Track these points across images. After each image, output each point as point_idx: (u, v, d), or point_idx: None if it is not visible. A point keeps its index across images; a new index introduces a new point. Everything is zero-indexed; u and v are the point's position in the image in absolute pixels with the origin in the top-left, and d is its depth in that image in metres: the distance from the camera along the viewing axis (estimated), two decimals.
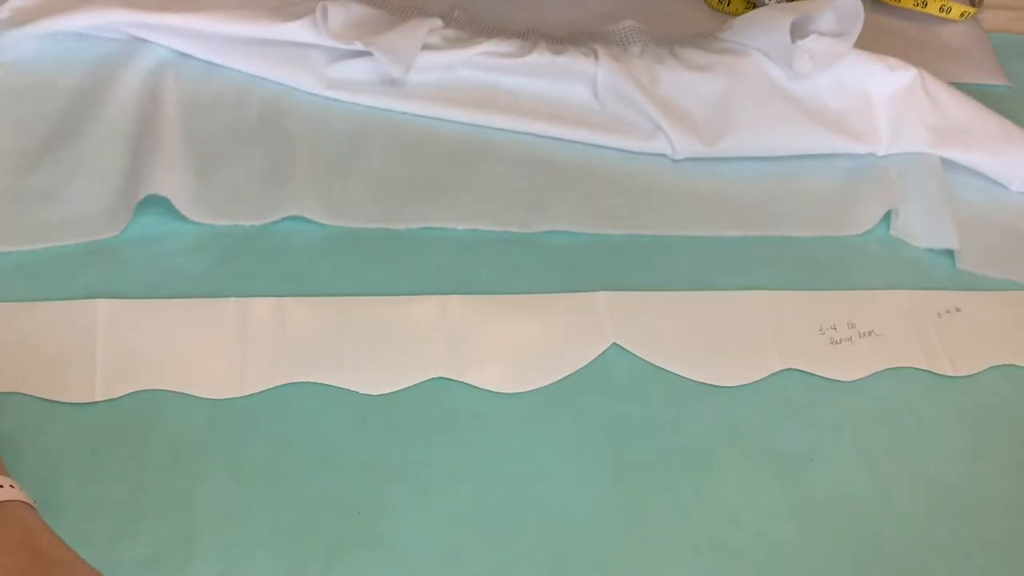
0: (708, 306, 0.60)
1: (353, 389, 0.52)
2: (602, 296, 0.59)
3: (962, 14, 0.85)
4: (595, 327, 0.58)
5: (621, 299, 0.59)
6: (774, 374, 0.58)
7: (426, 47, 0.65)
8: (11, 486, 0.40)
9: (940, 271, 0.66)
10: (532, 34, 0.71)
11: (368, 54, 0.64)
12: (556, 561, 0.49)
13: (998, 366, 0.62)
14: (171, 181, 0.57)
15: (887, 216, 0.68)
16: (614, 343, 0.57)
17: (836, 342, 0.60)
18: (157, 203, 0.56)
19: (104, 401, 0.49)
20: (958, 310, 0.63)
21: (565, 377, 0.55)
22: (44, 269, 0.54)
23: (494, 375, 0.54)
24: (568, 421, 0.54)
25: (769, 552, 0.51)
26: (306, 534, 0.47)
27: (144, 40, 0.63)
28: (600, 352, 0.57)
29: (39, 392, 0.49)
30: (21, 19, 0.62)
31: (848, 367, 0.59)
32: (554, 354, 0.56)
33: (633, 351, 0.57)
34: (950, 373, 0.60)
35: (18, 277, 0.53)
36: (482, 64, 0.67)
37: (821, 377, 0.58)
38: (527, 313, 0.57)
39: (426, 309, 0.56)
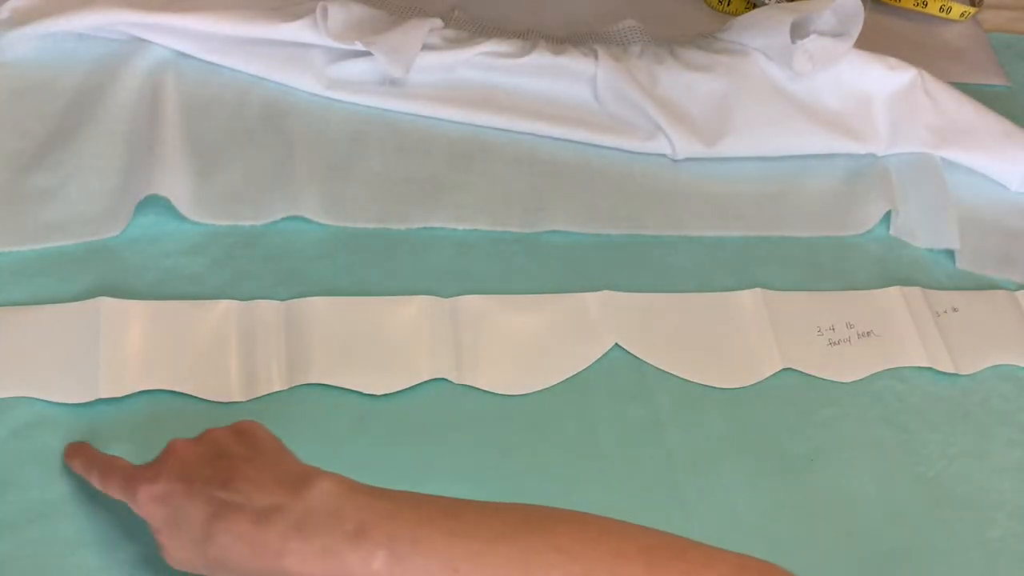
0: (708, 307, 0.60)
1: (353, 389, 0.52)
2: (603, 296, 0.59)
3: (962, 14, 0.85)
4: (596, 328, 0.58)
5: (622, 300, 0.59)
6: (774, 375, 0.58)
7: (426, 47, 0.65)
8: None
9: (940, 271, 0.66)
10: (532, 34, 0.71)
11: (368, 54, 0.64)
12: None
13: (998, 366, 0.62)
14: (171, 181, 0.57)
15: (887, 216, 0.68)
16: (616, 344, 0.57)
17: (834, 343, 0.60)
18: (157, 203, 0.56)
19: (105, 402, 0.49)
20: (955, 310, 0.63)
21: (566, 379, 0.55)
22: (44, 269, 0.54)
23: (495, 377, 0.54)
24: (569, 422, 0.54)
25: (769, 552, 0.51)
26: None
27: (144, 40, 0.63)
28: (602, 354, 0.57)
29: (42, 394, 0.49)
30: (21, 19, 0.62)
31: (847, 368, 0.59)
32: (556, 355, 0.56)
33: (634, 352, 0.57)
34: (951, 371, 0.60)
35: (18, 277, 0.53)
36: (482, 64, 0.67)
37: (820, 378, 0.58)
38: (528, 314, 0.57)
39: (427, 309, 0.56)
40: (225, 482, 0.40)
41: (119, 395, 0.49)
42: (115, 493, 0.43)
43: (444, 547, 0.37)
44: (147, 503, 0.40)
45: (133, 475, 0.42)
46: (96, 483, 0.44)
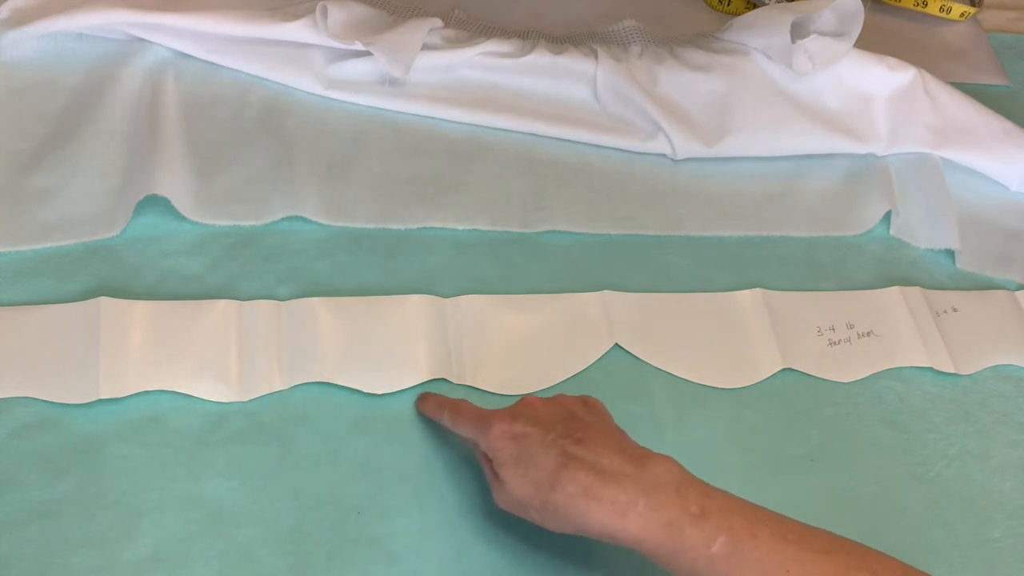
0: (708, 307, 0.60)
1: (354, 389, 0.52)
2: (603, 296, 0.59)
3: (962, 14, 0.85)
4: (597, 329, 0.58)
5: (622, 300, 0.59)
6: (774, 375, 0.58)
7: (426, 47, 0.65)
8: None
9: (940, 271, 0.66)
10: (532, 34, 0.71)
11: (368, 54, 0.64)
12: (557, 561, 0.49)
13: (998, 365, 0.62)
14: (171, 181, 0.57)
15: (887, 216, 0.68)
16: (616, 344, 0.57)
17: (834, 343, 0.60)
18: (157, 203, 0.56)
19: (105, 402, 0.49)
20: (955, 310, 0.63)
21: (567, 379, 0.55)
22: (44, 269, 0.54)
23: (495, 377, 0.54)
24: None
25: None
26: (306, 534, 0.47)
27: (144, 40, 0.63)
28: (602, 354, 0.57)
29: (42, 395, 0.49)
30: (21, 19, 0.62)
31: (847, 368, 0.59)
32: (556, 356, 0.56)
33: (634, 353, 0.57)
34: (951, 371, 0.60)
35: (18, 277, 0.53)
36: (482, 64, 0.67)
37: (820, 378, 0.58)
38: (528, 314, 0.57)
39: (427, 309, 0.56)
40: (578, 440, 0.44)
41: (120, 396, 0.49)
42: (465, 429, 0.48)
43: (778, 548, 0.41)
44: (500, 438, 0.45)
45: (488, 414, 0.47)
46: (447, 422, 0.49)
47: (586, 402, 0.48)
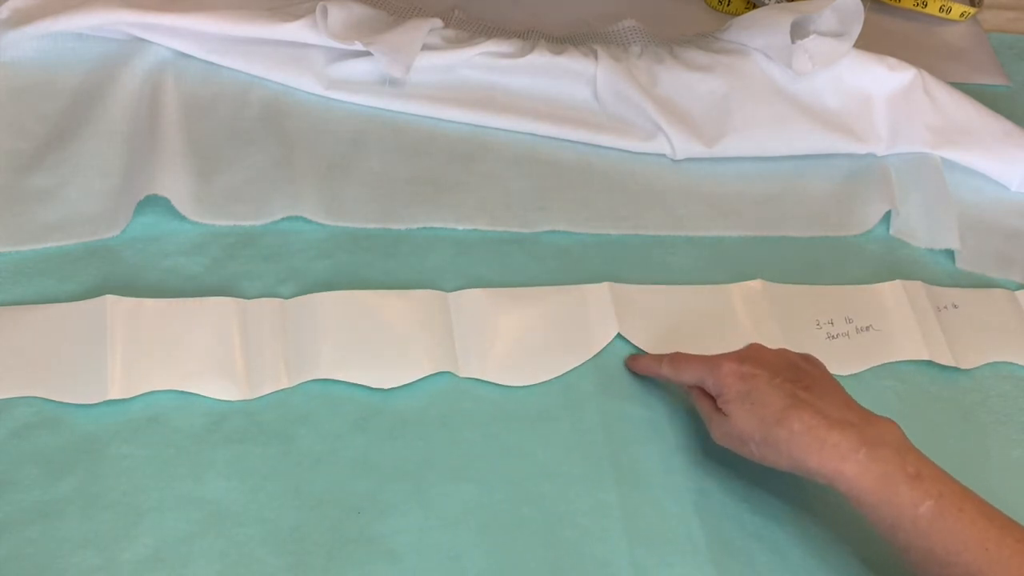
0: (709, 300, 0.60)
1: (354, 386, 0.52)
2: (605, 289, 0.59)
3: (962, 14, 0.85)
4: (600, 319, 0.58)
5: (624, 292, 0.59)
6: None
7: (426, 47, 0.65)
8: None
9: (940, 271, 0.66)
10: (532, 34, 0.71)
11: (368, 54, 0.64)
12: (556, 561, 0.49)
13: (997, 365, 0.62)
14: (171, 181, 0.57)
15: (887, 216, 0.68)
16: (618, 335, 0.57)
17: (833, 336, 0.60)
18: (157, 203, 0.56)
19: (106, 401, 0.49)
20: (955, 306, 0.63)
21: (567, 372, 0.55)
22: (44, 269, 0.54)
23: (501, 369, 0.54)
24: (569, 420, 0.54)
25: (769, 552, 0.51)
26: (306, 533, 0.47)
27: (144, 40, 0.63)
28: (605, 344, 0.57)
29: (50, 395, 0.49)
30: (21, 19, 0.62)
31: (845, 362, 0.59)
32: (561, 347, 0.56)
33: (636, 344, 0.57)
34: (951, 364, 0.60)
35: (18, 277, 0.53)
36: (482, 64, 0.67)
37: None
38: (532, 306, 0.57)
39: (430, 303, 0.56)
40: (806, 387, 0.48)
41: (129, 396, 0.49)
42: (689, 373, 0.52)
43: (981, 525, 0.43)
44: (729, 375, 0.49)
45: (714, 356, 0.51)
46: (667, 371, 0.53)
47: (807, 358, 0.51)
